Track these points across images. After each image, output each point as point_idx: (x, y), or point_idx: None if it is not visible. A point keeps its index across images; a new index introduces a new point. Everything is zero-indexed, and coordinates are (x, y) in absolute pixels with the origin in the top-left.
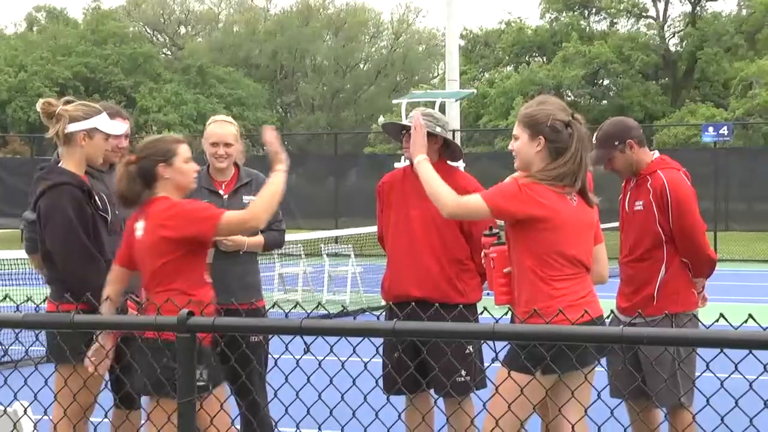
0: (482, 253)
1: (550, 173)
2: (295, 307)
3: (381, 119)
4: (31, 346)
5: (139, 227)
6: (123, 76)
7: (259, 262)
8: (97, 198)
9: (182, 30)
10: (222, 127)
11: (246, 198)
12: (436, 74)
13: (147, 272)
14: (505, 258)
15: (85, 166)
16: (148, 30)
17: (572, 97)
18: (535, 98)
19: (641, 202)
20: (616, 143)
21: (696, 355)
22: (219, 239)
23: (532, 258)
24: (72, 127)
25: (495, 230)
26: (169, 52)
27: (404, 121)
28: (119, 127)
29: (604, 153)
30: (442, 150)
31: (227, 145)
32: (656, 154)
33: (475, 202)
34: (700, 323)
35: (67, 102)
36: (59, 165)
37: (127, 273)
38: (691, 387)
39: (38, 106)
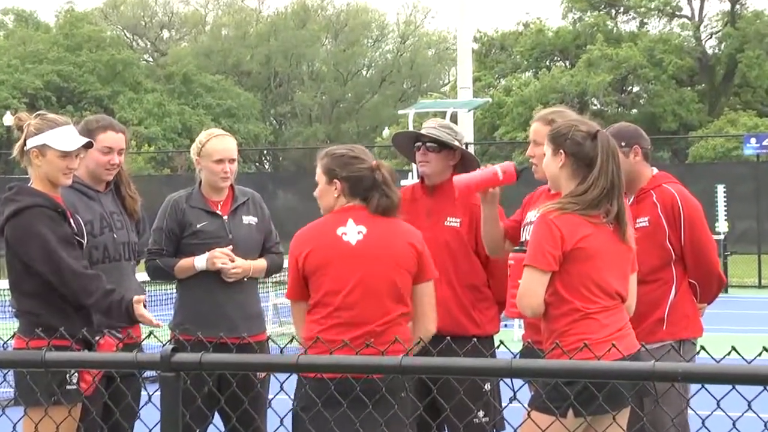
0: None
1: (583, 200)
2: (291, 341)
3: (386, 131)
4: None
5: None
6: (99, 85)
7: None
8: (72, 221)
9: (165, 34)
10: (225, 142)
11: (246, 219)
12: (446, 81)
13: None
14: (521, 268)
15: (56, 185)
16: (128, 34)
17: (598, 106)
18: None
19: (646, 219)
20: (622, 144)
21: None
22: (223, 267)
23: (564, 288)
24: (29, 143)
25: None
26: (150, 59)
27: (424, 129)
28: (72, 142)
29: None
30: (457, 165)
31: (232, 161)
32: (655, 170)
33: (531, 278)
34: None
35: (38, 116)
36: (29, 185)
37: None
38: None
39: (6, 120)
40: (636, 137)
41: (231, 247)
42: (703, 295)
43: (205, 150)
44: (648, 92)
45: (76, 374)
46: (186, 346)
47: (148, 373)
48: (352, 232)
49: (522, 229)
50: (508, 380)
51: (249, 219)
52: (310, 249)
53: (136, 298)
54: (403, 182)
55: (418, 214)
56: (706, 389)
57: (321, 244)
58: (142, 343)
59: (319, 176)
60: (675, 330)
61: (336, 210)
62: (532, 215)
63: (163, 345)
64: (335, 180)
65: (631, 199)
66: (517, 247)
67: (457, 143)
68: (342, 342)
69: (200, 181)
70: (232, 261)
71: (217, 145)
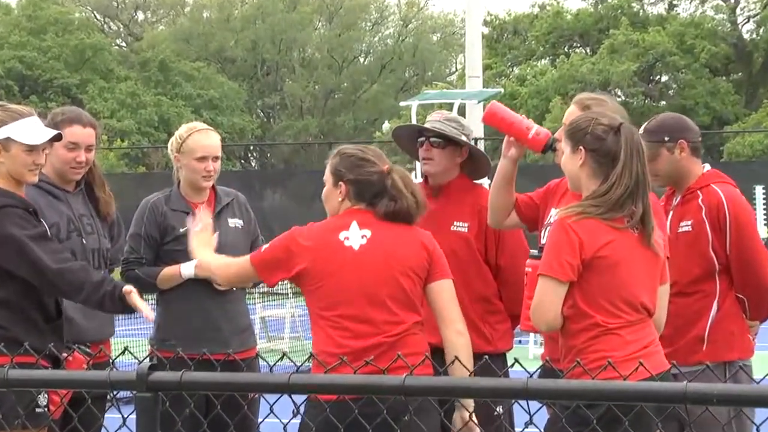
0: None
1: (606, 201)
2: (281, 358)
3: (386, 125)
4: None
5: None
6: (67, 72)
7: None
8: (44, 224)
9: (140, 16)
10: (209, 137)
11: (232, 221)
12: (453, 70)
13: None
14: (524, 144)
15: (21, 183)
16: (98, 16)
17: (622, 97)
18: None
19: (689, 222)
20: (666, 138)
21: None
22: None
23: (583, 301)
24: None
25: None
26: (123, 44)
27: (428, 122)
28: (38, 135)
29: (649, 146)
30: (465, 163)
31: (215, 159)
32: (707, 167)
33: (546, 288)
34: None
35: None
36: None
37: None
38: None
39: None
40: (682, 130)
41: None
42: (753, 311)
43: (186, 146)
44: (678, 82)
45: (45, 395)
46: (165, 364)
47: (122, 393)
48: (355, 237)
49: (542, 230)
50: (523, 403)
51: (235, 222)
52: (310, 251)
53: (125, 288)
54: None
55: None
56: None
57: (321, 250)
58: (117, 360)
59: (327, 177)
60: (717, 350)
61: (341, 213)
62: (556, 213)
63: (140, 362)
64: (341, 183)
65: (678, 199)
66: (535, 252)
67: (464, 138)
68: (339, 359)
69: (179, 181)
70: None
71: (200, 140)
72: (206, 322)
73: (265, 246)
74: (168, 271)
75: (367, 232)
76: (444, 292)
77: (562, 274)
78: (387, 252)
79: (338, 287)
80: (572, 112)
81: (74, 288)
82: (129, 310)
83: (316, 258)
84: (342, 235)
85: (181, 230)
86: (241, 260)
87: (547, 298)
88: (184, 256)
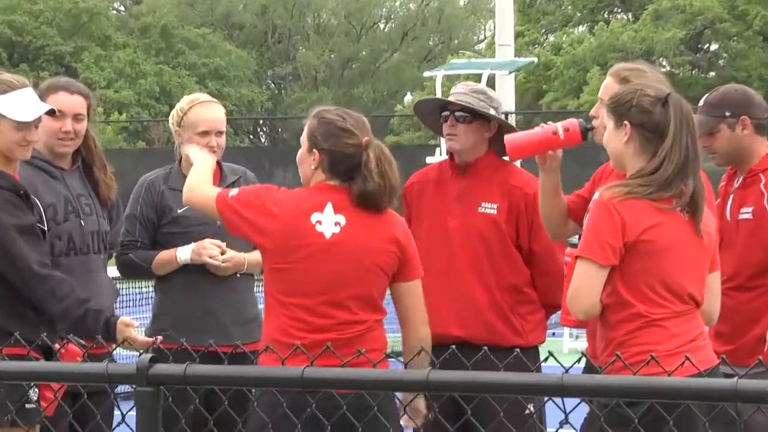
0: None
1: (657, 179)
2: (294, 350)
3: (408, 97)
4: None
5: None
6: (60, 39)
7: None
8: (39, 205)
9: None
10: (212, 110)
11: None
12: (482, 37)
13: None
14: (558, 146)
15: (12, 160)
16: None
17: (668, 67)
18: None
19: (750, 209)
20: (727, 114)
21: None
22: (210, 261)
23: (625, 288)
24: None
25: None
26: (122, 8)
27: (453, 95)
28: (31, 110)
29: (708, 121)
30: (494, 140)
31: (219, 134)
32: None
33: (585, 272)
34: None
35: None
36: None
37: None
38: None
39: None
40: (745, 105)
41: (220, 239)
42: None
43: (187, 120)
44: (729, 51)
45: (36, 390)
46: (167, 356)
47: (121, 388)
48: (328, 222)
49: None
50: (558, 400)
51: None
52: (278, 224)
53: (124, 319)
54: (428, 159)
55: (446, 199)
56: None
57: (289, 230)
58: (114, 352)
59: (303, 139)
60: None
61: (316, 185)
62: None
63: (140, 354)
64: (314, 150)
65: (739, 182)
66: (575, 240)
67: (493, 112)
68: (293, 346)
69: (180, 158)
70: (223, 253)
71: (202, 113)
72: (205, 312)
73: (234, 191)
74: (163, 255)
75: (341, 219)
76: (412, 293)
77: (602, 257)
78: (358, 246)
79: (301, 276)
80: (608, 85)
81: (54, 297)
82: (112, 338)
83: (283, 237)
84: (314, 218)
85: (179, 211)
86: (209, 192)
87: (585, 283)
88: (182, 239)
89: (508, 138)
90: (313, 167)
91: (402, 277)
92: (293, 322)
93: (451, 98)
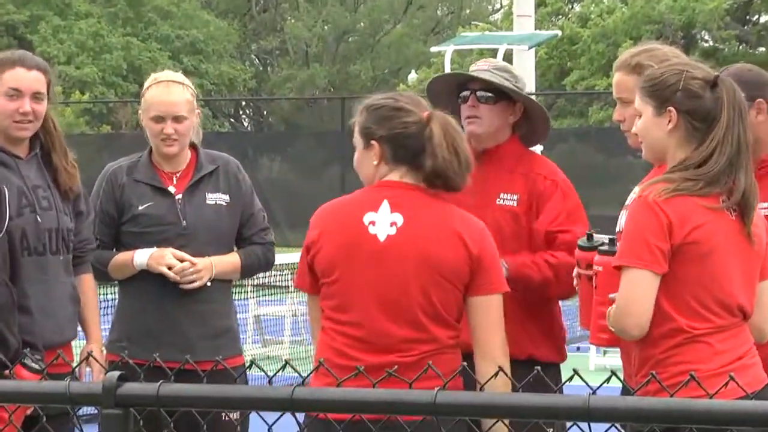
0: (575, 272)
1: (704, 174)
2: (283, 368)
3: (413, 75)
4: None
5: None
6: (12, 7)
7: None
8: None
9: None
10: (169, 92)
11: (211, 196)
12: (498, 6)
13: None
14: (614, 276)
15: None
16: None
17: (710, 42)
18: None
19: (766, 204)
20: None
21: None
22: (168, 273)
23: (666, 299)
24: None
25: (595, 240)
26: None
27: (474, 71)
28: None
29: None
30: (516, 125)
31: (178, 119)
32: None
33: (637, 283)
34: None
35: None
36: None
37: None
38: None
39: None
40: (760, 86)
41: (185, 242)
42: None
43: (144, 101)
44: None
45: None
46: (138, 373)
47: (84, 409)
48: (382, 222)
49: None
50: (584, 425)
51: (216, 197)
52: (322, 234)
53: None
54: None
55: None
56: None
57: (339, 233)
58: (76, 369)
59: (356, 139)
60: None
61: (374, 185)
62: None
63: (106, 371)
64: (372, 142)
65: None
66: (602, 246)
67: (518, 91)
68: (355, 369)
69: (151, 146)
70: (182, 261)
71: (157, 95)
72: (164, 323)
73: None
74: (120, 257)
75: (398, 218)
76: (490, 311)
77: (655, 264)
78: (418, 250)
79: (352, 285)
80: (621, 82)
81: None
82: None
83: (331, 242)
84: (367, 218)
85: (140, 208)
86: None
87: (639, 295)
88: (142, 240)
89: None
90: (375, 162)
91: (476, 290)
92: (349, 341)
93: (472, 73)
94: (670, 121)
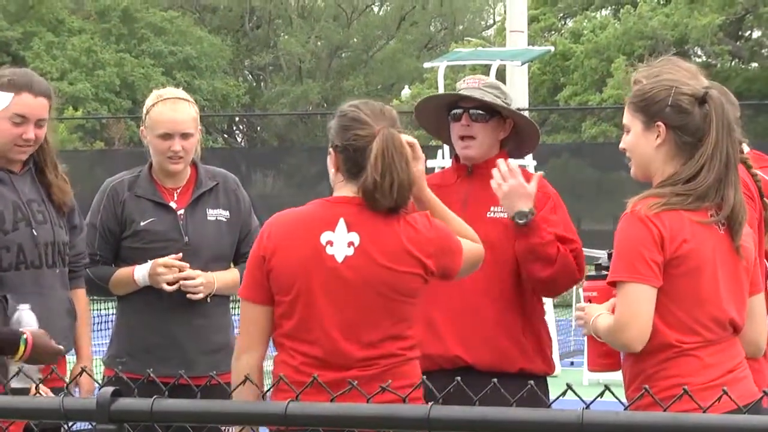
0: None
1: (688, 190)
2: (277, 383)
3: (406, 91)
4: None
5: None
6: (6, 23)
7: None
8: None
9: None
10: (176, 109)
11: (212, 213)
12: (491, 22)
13: None
14: (610, 296)
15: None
16: None
17: (704, 57)
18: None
19: None
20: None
21: None
22: (184, 283)
23: (656, 314)
24: None
25: (604, 271)
26: None
27: (464, 89)
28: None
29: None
30: (505, 140)
31: (185, 136)
32: (745, 148)
33: (634, 297)
34: None
35: None
36: None
37: None
38: None
39: None
40: None
41: (181, 254)
42: None
43: (150, 119)
44: None
45: None
46: (132, 389)
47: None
48: (340, 242)
49: None
50: None
51: (217, 213)
52: (278, 250)
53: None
54: (429, 164)
55: (450, 204)
56: None
57: (295, 251)
58: (69, 384)
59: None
60: None
61: (329, 199)
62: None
63: (100, 386)
64: (330, 149)
65: None
66: (591, 272)
67: (511, 109)
68: (311, 379)
69: (151, 162)
70: (182, 270)
71: (164, 113)
72: (164, 339)
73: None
74: (121, 273)
75: (355, 238)
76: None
77: (653, 278)
78: (376, 271)
79: (310, 306)
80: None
81: None
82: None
83: (287, 260)
84: (324, 238)
85: (142, 224)
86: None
87: (641, 309)
88: (143, 255)
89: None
90: (332, 170)
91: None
92: (307, 359)
93: (463, 92)
94: (658, 136)
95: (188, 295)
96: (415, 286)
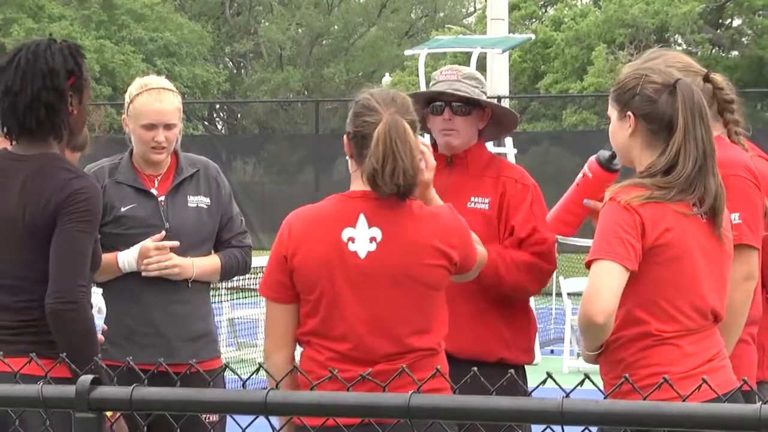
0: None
1: (670, 183)
2: (257, 371)
3: (386, 79)
4: None
5: None
6: None
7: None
8: None
9: None
10: (161, 100)
11: (192, 200)
12: (471, 10)
13: None
14: (599, 188)
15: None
16: None
17: (684, 45)
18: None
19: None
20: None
21: None
22: (150, 265)
23: (636, 302)
24: None
25: (614, 164)
26: None
27: (443, 83)
28: None
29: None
30: (484, 130)
31: (169, 126)
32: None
33: (603, 273)
34: None
35: None
36: None
37: None
38: None
39: None
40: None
41: (164, 233)
42: None
43: (133, 108)
44: (754, 27)
45: None
46: (111, 376)
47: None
48: (362, 239)
49: None
50: (557, 428)
51: (197, 200)
52: (299, 249)
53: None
54: None
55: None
56: None
57: (317, 250)
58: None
59: None
60: None
61: (347, 193)
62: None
63: (80, 374)
64: (344, 136)
65: None
66: (605, 155)
67: (484, 99)
68: (333, 375)
69: (132, 148)
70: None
71: (148, 103)
72: (144, 325)
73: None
74: (104, 259)
75: (377, 233)
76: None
77: (627, 261)
78: (400, 266)
79: (335, 303)
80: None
81: None
82: None
83: (309, 259)
84: (346, 234)
85: (123, 209)
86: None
87: (603, 283)
88: (124, 242)
89: (551, 221)
90: (348, 158)
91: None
92: (334, 354)
93: (441, 86)
94: (630, 126)
95: (163, 272)
96: (440, 278)
